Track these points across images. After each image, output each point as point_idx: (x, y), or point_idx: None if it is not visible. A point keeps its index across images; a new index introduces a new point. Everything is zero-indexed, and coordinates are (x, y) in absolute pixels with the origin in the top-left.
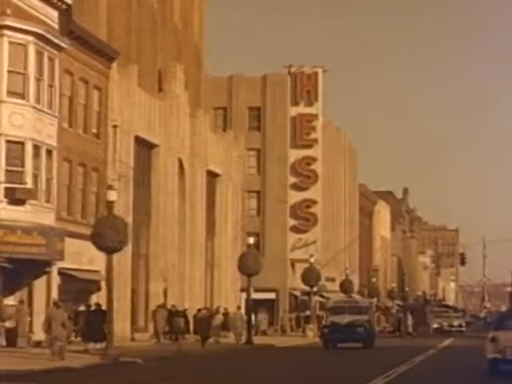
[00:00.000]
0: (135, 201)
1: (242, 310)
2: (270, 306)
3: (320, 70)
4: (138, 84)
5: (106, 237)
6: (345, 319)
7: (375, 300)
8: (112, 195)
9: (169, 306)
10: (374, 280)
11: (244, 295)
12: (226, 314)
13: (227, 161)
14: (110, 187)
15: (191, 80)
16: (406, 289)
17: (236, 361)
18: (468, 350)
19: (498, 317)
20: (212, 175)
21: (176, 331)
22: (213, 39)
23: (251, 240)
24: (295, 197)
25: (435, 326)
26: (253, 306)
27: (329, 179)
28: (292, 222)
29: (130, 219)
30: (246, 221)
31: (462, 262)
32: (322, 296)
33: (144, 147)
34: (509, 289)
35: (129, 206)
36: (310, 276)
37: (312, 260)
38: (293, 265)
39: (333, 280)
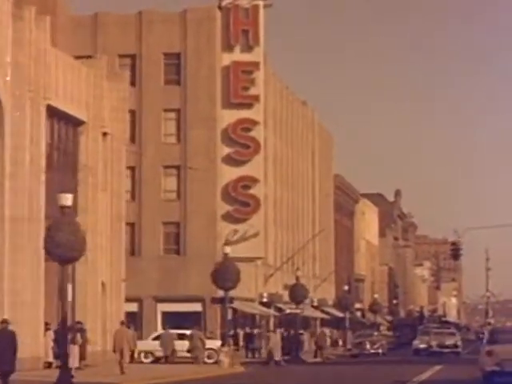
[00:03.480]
0: None
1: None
2: (195, 320)
3: (261, 3)
4: None
5: None
6: None
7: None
8: None
9: None
10: (345, 288)
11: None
12: (82, 331)
13: (96, 102)
14: None
15: None
16: (395, 301)
17: None
18: None
19: (491, 331)
20: (68, 121)
21: None
22: None
23: (68, 200)
24: (229, 173)
25: (421, 346)
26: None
27: (282, 156)
28: (225, 208)
29: None
30: (162, 207)
31: (455, 256)
32: (279, 309)
33: None
34: None
35: None
36: (224, 274)
37: (227, 251)
38: None
39: None
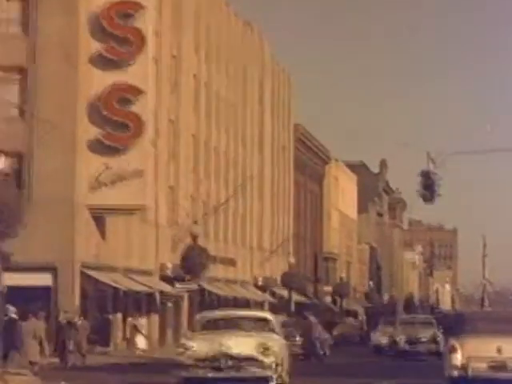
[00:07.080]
0: None
1: None
2: (45, 298)
3: None
4: None
5: None
6: None
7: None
8: None
9: None
10: (291, 261)
11: None
12: None
13: None
14: None
15: None
16: (370, 283)
17: None
18: None
19: (457, 318)
20: None
21: None
22: None
23: None
24: (100, 81)
25: (383, 341)
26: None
27: (211, 82)
28: (92, 132)
29: None
30: None
31: (427, 195)
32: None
33: None
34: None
35: None
36: None
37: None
38: (97, 219)
39: (231, 263)
